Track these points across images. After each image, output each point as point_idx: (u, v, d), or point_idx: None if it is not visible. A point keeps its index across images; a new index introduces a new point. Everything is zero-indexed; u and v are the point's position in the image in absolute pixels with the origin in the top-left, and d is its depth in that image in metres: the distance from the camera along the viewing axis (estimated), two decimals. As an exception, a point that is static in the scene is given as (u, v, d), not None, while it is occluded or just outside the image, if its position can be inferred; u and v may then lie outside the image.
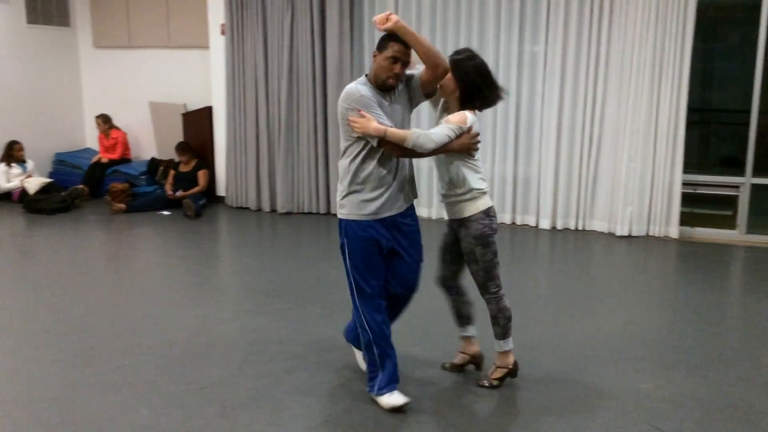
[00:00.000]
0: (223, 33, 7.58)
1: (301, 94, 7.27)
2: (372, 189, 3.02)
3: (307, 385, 3.38)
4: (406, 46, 2.94)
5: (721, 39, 8.04)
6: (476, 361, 3.46)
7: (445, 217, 3.35)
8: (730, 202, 6.40)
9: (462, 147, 3.06)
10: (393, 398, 3.09)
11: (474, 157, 3.14)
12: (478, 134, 3.10)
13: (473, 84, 3.07)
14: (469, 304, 3.40)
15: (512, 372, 3.31)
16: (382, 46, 2.97)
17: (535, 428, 2.97)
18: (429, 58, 2.94)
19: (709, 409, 3.15)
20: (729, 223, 6.42)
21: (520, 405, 3.21)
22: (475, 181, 3.14)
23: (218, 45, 7.69)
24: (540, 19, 6.53)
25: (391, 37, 2.94)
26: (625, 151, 6.33)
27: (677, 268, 5.77)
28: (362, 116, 2.90)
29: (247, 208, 7.72)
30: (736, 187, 6.32)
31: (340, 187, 3.11)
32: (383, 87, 2.99)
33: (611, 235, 6.47)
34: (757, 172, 6.24)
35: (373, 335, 3.08)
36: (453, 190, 3.16)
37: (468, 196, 3.13)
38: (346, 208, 3.07)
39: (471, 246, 3.15)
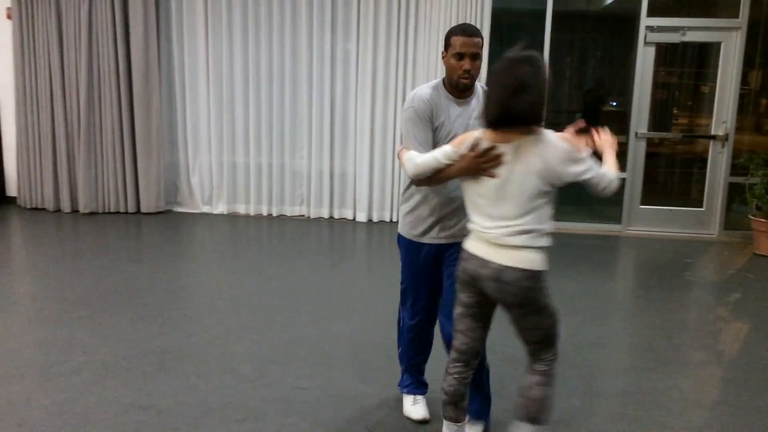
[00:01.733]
0: (9, 17, 6.84)
1: (103, 85, 6.79)
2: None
3: (116, 395, 3.17)
4: (472, 34, 2.50)
5: (516, 43, 8.80)
6: None
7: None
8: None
9: (462, 171, 2.36)
10: (413, 408, 3.02)
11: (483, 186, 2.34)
12: (486, 152, 2.28)
13: (487, 94, 2.31)
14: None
15: None
16: (446, 43, 2.58)
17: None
18: None
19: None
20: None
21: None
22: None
23: (4, 31, 6.93)
24: (351, 17, 6.70)
25: (456, 29, 2.54)
26: (433, 146, 6.69)
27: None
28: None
29: (44, 209, 7.07)
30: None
31: None
32: (458, 88, 2.58)
33: (423, 226, 6.82)
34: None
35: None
36: None
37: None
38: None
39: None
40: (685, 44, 6.75)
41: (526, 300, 2.30)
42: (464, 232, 2.59)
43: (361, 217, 6.96)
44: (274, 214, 7.15)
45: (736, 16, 6.49)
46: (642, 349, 3.88)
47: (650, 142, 6.91)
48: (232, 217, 7.08)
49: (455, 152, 2.37)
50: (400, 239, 2.90)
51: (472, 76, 2.56)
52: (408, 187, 2.79)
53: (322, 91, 6.85)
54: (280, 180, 7.11)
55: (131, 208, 7.03)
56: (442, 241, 2.76)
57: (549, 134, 2.30)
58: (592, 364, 3.67)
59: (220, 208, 7.23)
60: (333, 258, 5.70)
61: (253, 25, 6.74)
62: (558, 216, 6.96)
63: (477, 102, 2.63)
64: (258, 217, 7.08)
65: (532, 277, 2.28)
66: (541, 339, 2.41)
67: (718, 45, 6.58)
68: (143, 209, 7.03)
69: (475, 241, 2.39)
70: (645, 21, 6.61)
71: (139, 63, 6.71)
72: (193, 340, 3.83)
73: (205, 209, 7.24)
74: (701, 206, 6.92)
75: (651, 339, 4.04)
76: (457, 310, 2.48)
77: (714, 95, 6.75)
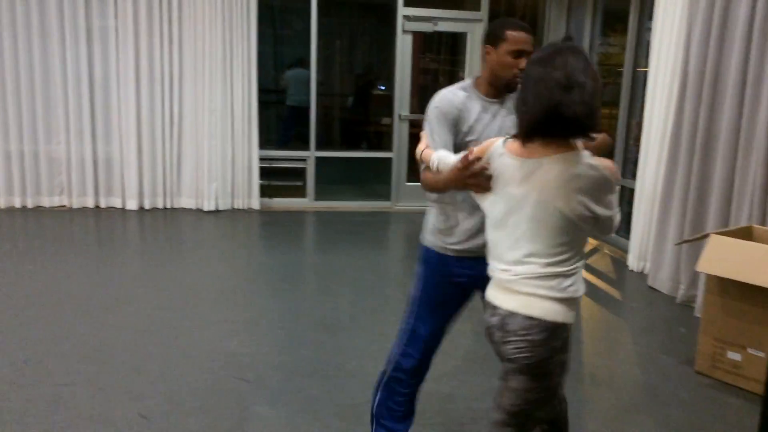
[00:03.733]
0: None
1: None
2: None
3: None
4: (528, 30, 2.21)
5: (287, 25, 8.91)
6: None
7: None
8: (300, 173, 7.22)
9: (447, 183, 2.01)
10: None
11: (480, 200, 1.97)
12: (469, 164, 1.88)
13: (521, 95, 1.85)
14: None
15: None
16: (494, 36, 2.21)
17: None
18: None
19: (284, 354, 3.58)
20: (300, 192, 7.23)
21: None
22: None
23: None
24: (108, -8, 6.29)
25: (510, 24, 2.21)
26: (206, 129, 6.57)
27: (260, 235, 6.29)
28: (422, 138, 2.28)
29: None
30: (304, 160, 7.16)
31: None
32: (508, 89, 2.24)
33: (199, 210, 6.69)
34: (319, 147, 7.16)
35: None
36: None
37: None
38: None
39: None
40: (440, 33, 7.37)
41: (531, 357, 1.85)
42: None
43: (132, 205, 6.61)
44: (30, 206, 6.51)
45: (478, 9, 7.23)
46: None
47: (414, 124, 7.46)
48: (-22, 212, 6.32)
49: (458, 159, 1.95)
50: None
51: None
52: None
53: (79, 71, 6.35)
54: (34, 168, 6.47)
55: None
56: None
57: (585, 154, 1.81)
58: (371, 329, 3.94)
59: (-38, 202, 6.40)
60: (102, 250, 5.38)
61: (-10, -4, 6.02)
62: (329, 195, 7.30)
63: (511, 102, 2.29)
64: (10, 210, 6.39)
65: (545, 329, 1.84)
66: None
67: (465, 35, 7.29)
68: None
69: (490, 286, 1.98)
70: (402, 10, 7.08)
71: None
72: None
73: (-58, 204, 6.37)
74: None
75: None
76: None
77: (465, 80, 7.46)
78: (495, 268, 1.94)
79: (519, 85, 1.93)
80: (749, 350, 3.36)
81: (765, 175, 3.91)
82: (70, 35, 6.28)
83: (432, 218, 2.38)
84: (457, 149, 2.22)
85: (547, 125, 1.76)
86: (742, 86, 4.14)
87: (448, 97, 2.26)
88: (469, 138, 2.24)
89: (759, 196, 3.93)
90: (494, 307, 1.92)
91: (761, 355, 3.30)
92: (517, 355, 1.86)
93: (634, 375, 3.50)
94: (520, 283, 1.85)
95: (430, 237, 2.38)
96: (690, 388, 3.38)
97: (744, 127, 4.11)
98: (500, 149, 1.89)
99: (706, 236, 3.67)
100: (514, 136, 1.86)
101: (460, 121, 2.23)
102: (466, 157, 1.90)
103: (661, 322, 4.29)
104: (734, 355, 3.41)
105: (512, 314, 1.86)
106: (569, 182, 1.77)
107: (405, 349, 2.46)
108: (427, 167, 2.15)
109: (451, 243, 2.32)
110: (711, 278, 3.51)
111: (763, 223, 3.89)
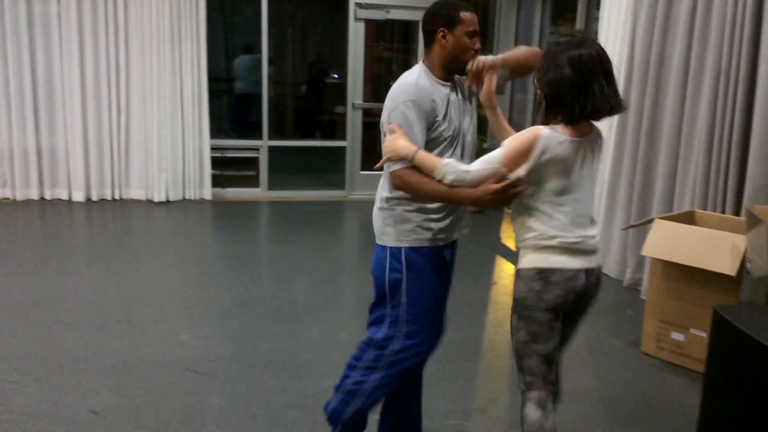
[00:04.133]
0: None
1: None
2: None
3: None
4: (474, 11, 2.21)
5: (238, 12, 8.78)
6: None
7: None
8: (253, 163, 7.14)
9: (477, 202, 2.03)
10: None
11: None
12: (507, 187, 1.97)
13: (556, 86, 1.98)
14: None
15: None
16: (450, 19, 2.15)
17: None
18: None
19: (237, 345, 3.56)
20: (253, 182, 7.16)
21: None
22: (544, 225, 2.05)
23: None
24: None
25: (460, 4, 2.17)
26: (155, 118, 6.43)
27: (212, 226, 6.21)
28: (392, 130, 2.10)
29: None
30: (257, 149, 7.08)
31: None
32: (461, 71, 2.21)
33: (149, 201, 6.56)
34: (272, 136, 7.09)
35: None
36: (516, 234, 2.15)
37: (529, 242, 2.08)
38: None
39: (511, 310, 2.14)
40: (392, 21, 7.35)
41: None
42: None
43: (78, 197, 6.44)
44: (-30, 199, 6.29)
45: (431, -3, 7.24)
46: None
47: (368, 112, 7.44)
48: None
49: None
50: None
51: None
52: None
53: (20, 58, 6.13)
54: (-26, 160, 6.24)
55: None
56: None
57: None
58: (327, 318, 3.94)
59: None
60: (48, 243, 5.23)
61: None
62: (283, 184, 7.25)
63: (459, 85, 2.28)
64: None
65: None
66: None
67: (417, 23, 7.28)
68: None
69: (573, 255, 2.05)
70: (355, -2, 7.05)
71: None
72: None
73: None
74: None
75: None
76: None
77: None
78: (579, 236, 2.04)
79: (548, 72, 1.97)
80: (692, 330, 3.48)
81: (706, 162, 4.05)
82: (10, 22, 6.04)
83: (409, 215, 2.19)
84: (433, 141, 2.15)
85: (600, 111, 1.99)
86: (685, 76, 4.26)
87: (422, 86, 2.14)
88: (443, 127, 2.15)
89: (701, 181, 4.07)
90: (589, 270, 2.07)
91: (703, 335, 3.42)
92: (516, 297, 2.09)
93: (582, 357, 3.60)
94: (598, 244, 2.12)
95: (413, 235, 2.20)
96: (635, 369, 3.49)
97: (686, 116, 4.24)
98: (558, 137, 1.98)
99: (651, 221, 3.78)
100: (561, 121, 1.99)
101: (436, 112, 2.15)
102: (504, 180, 1.95)
103: (609, 305, 4.41)
104: (678, 336, 3.54)
105: (599, 268, 2.14)
106: (602, 147, 2.12)
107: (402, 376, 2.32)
108: (417, 171, 2.07)
109: (440, 227, 2.21)
110: (656, 262, 3.62)
111: (704, 208, 4.03)
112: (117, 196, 6.59)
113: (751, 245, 3.16)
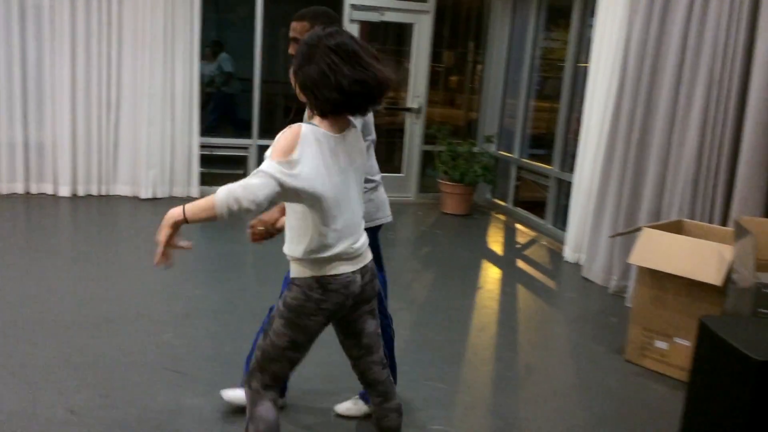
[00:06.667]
0: None
1: None
2: None
3: None
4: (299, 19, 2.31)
5: (232, 10, 8.73)
6: None
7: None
8: (242, 161, 7.10)
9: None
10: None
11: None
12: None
13: (310, 78, 1.91)
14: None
15: None
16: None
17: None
18: None
19: (219, 345, 3.53)
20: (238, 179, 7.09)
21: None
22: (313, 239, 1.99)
23: None
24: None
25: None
26: (145, 115, 6.38)
27: (198, 225, 6.15)
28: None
29: None
30: (246, 148, 7.04)
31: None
32: None
33: (136, 198, 6.51)
34: (262, 135, 7.06)
35: None
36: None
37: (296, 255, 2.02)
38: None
39: (277, 315, 2.06)
40: (386, 23, 7.34)
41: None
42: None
43: (64, 192, 6.38)
44: (-46, 191, 6.21)
45: (426, 0, 7.24)
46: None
47: (358, 114, 7.39)
48: None
49: (287, 163, 1.94)
50: None
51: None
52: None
53: (10, 51, 6.06)
54: (-41, 151, 6.17)
55: None
56: None
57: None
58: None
59: None
60: (31, 238, 5.17)
61: None
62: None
63: None
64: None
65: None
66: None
67: (411, 26, 7.29)
68: None
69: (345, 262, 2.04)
70: (349, -1, 7.04)
71: None
72: None
73: None
74: (401, 172, 7.66)
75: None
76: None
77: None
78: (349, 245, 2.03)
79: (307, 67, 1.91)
80: (676, 339, 3.49)
81: (695, 171, 4.06)
82: (2, 14, 5.98)
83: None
84: None
85: (361, 101, 1.92)
86: (677, 85, 4.27)
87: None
88: None
89: (689, 191, 4.07)
90: (364, 267, 2.08)
91: (687, 343, 3.43)
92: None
93: (565, 363, 3.59)
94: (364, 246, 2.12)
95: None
96: (618, 376, 3.48)
97: (677, 126, 4.25)
98: (316, 133, 1.92)
99: (638, 229, 3.78)
100: (320, 117, 1.95)
101: None
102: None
103: (594, 312, 4.41)
104: (661, 344, 3.54)
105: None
106: (360, 146, 2.07)
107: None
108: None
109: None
110: (642, 270, 3.62)
111: (692, 217, 4.04)
112: (103, 192, 6.53)
113: (738, 256, 3.16)
